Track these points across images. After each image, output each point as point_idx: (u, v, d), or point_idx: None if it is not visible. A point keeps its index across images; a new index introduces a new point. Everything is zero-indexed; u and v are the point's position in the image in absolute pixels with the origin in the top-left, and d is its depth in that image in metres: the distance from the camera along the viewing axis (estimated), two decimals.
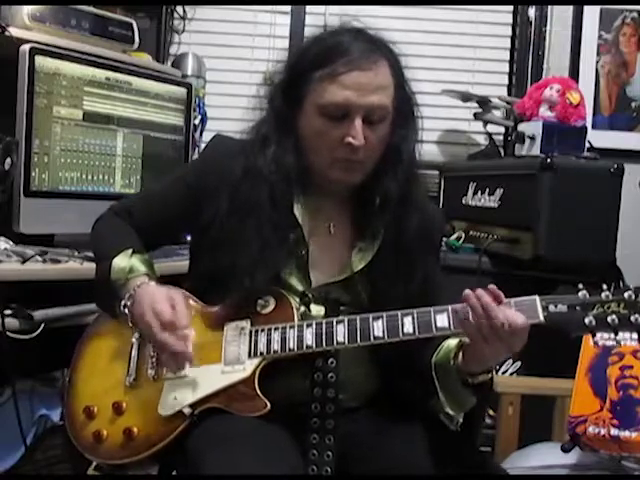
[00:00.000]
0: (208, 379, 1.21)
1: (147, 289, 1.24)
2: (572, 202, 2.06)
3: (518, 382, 2.03)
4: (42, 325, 1.58)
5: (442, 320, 1.14)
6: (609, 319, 1.08)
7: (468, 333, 1.13)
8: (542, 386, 1.91)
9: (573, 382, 1.64)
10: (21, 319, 1.57)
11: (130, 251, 1.29)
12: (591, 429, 1.53)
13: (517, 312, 1.10)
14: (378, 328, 1.16)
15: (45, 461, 1.83)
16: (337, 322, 1.18)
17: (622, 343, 1.30)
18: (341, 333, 1.17)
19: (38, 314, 1.57)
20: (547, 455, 1.69)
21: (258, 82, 2.76)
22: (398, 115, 1.24)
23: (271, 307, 1.24)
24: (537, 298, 1.11)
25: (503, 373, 2.17)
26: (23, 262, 1.61)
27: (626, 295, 1.09)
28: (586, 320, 1.09)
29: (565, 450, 1.58)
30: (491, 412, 1.98)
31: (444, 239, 2.40)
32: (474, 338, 1.12)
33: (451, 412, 1.21)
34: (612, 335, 1.10)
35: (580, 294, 1.11)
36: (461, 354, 1.18)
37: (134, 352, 1.28)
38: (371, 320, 1.17)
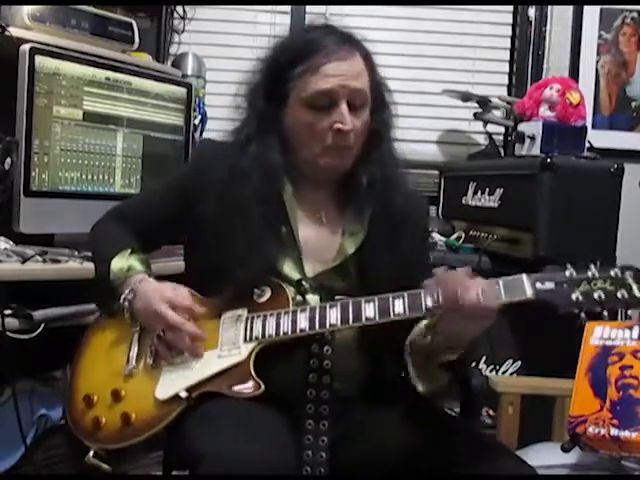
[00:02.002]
0: (205, 364, 1.24)
1: (149, 283, 1.30)
2: (572, 202, 2.06)
3: (518, 382, 2.03)
4: (42, 325, 1.58)
5: (431, 300, 1.16)
6: (595, 295, 1.10)
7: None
8: (542, 386, 1.91)
9: (573, 382, 1.63)
10: (21, 319, 1.57)
11: (128, 251, 1.33)
12: (591, 429, 1.52)
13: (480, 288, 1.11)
14: (370, 310, 1.19)
15: (45, 461, 1.83)
16: (330, 306, 1.21)
17: (622, 343, 1.30)
18: (334, 316, 1.20)
19: (38, 314, 1.57)
20: (547, 455, 1.68)
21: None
22: (374, 101, 1.31)
23: (267, 296, 1.27)
24: (524, 276, 1.13)
25: (503, 373, 2.17)
26: (23, 262, 1.61)
27: (612, 272, 1.11)
28: (573, 296, 1.11)
29: (565, 450, 1.58)
30: (491, 412, 1.98)
31: (444, 239, 2.40)
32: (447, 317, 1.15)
33: (421, 388, 1.24)
34: (599, 309, 1.12)
35: (567, 272, 1.13)
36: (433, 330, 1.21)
37: (134, 342, 1.31)
38: (363, 303, 1.20)
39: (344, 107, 1.24)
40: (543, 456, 1.68)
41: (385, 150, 1.34)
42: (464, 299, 1.10)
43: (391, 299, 1.18)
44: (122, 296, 1.28)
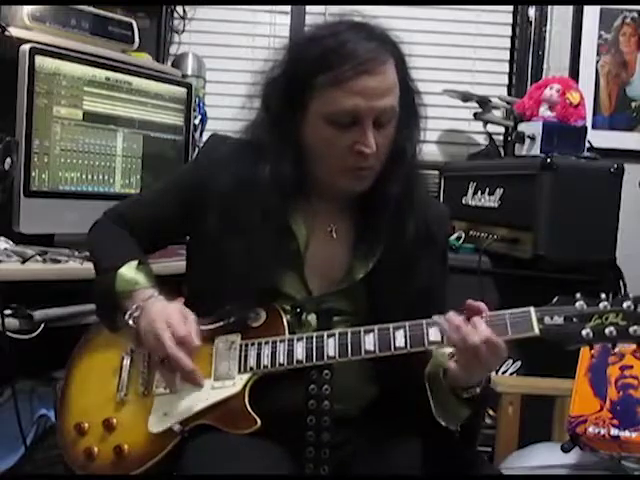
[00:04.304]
0: (198, 395, 1.18)
1: (158, 302, 1.20)
2: (572, 202, 2.06)
3: (518, 382, 2.03)
4: (42, 325, 1.58)
5: (435, 334, 1.11)
6: (607, 331, 1.05)
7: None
8: (542, 386, 1.91)
9: (573, 382, 1.64)
10: (21, 319, 1.57)
11: (136, 262, 1.24)
12: (591, 429, 1.53)
13: (490, 329, 1.06)
14: (369, 342, 1.13)
15: (45, 461, 1.83)
16: (328, 336, 1.15)
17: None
18: (332, 347, 1.14)
19: (38, 314, 1.57)
20: (547, 455, 1.68)
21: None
22: (403, 114, 1.19)
23: (261, 320, 1.21)
24: (532, 310, 1.08)
25: (503, 373, 2.17)
26: (23, 262, 1.61)
27: (625, 305, 1.05)
28: (583, 332, 1.06)
29: (565, 450, 1.58)
30: (491, 412, 1.98)
31: None
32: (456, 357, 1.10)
33: (443, 423, 1.18)
34: (610, 345, 1.07)
35: (577, 304, 1.07)
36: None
37: (125, 367, 1.27)
38: (362, 334, 1.14)
39: (369, 128, 1.12)
40: (543, 456, 1.69)
41: (407, 167, 1.22)
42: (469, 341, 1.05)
43: (392, 330, 1.12)
44: (128, 312, 1.19)
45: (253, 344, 1.19)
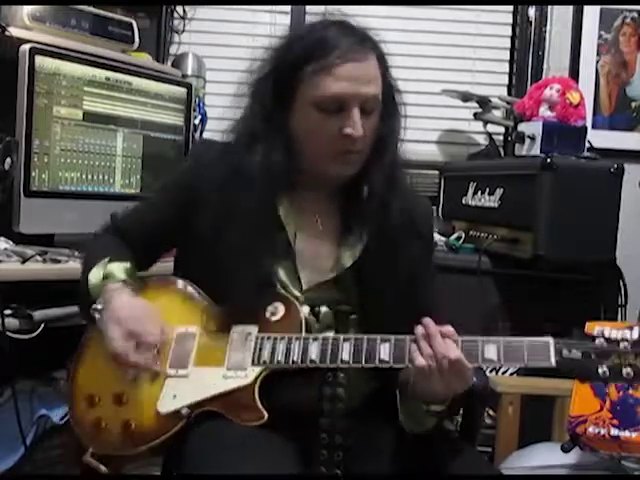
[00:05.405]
0: (209, 382, 1.20)
1: (119, 295, 1.22)
2: (572, 202, 2.06)
3: (518, 382, 2.03)
4: (42, 325, 1.58)
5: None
6: (624, 372, 1.04)
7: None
8: (542, 386, 1.91)
9: (573, 382, 1.63)
10: (21, 319, 1.57)
11: (106, 260, 1.27)
12: (591, 429, 1.52)
13: (454, 348, 1.08)
14: (385, 352, 1.13)
15: (45, 461, 1.83)
16: (344, 340, 1.16)
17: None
18: (346, 352, 1.15)
19: (38, 314, 1.58)
20: (547, 455, 1.68)
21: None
22: (385, 106, 1.24)
23: (280, 315, 1.23)
24: (551, 341, 1.08)
25: (503, 373, 2.17)
26: (23, 262, 1.61)
27: None
28: (600, 370, 1.05)
29: (565, 450, 1.58)
30: (491, 412, 1.98)
31: (444, 239, 2.40)
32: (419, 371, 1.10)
33: (407, 428, 1.20)
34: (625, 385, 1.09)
35: (597, 342, 1.06)
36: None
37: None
38: (378, 342, 1.14)
39: (356, 113, 1.18)
40: (543, 456, 1.69)
41: (390, 158, 1.27)
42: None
43: (408, 341, 1.12)
44: (94, 306, 1.23)
45: (269, 338, 1.20)
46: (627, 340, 1.05)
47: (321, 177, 1.26)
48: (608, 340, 1.06)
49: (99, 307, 1.22)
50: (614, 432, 1.50)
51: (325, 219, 1.30)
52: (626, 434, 1.49)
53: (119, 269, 1.27)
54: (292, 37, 1.27)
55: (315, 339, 1.18)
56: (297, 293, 1.26)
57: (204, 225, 1.24)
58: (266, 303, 1.24)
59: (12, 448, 1.74)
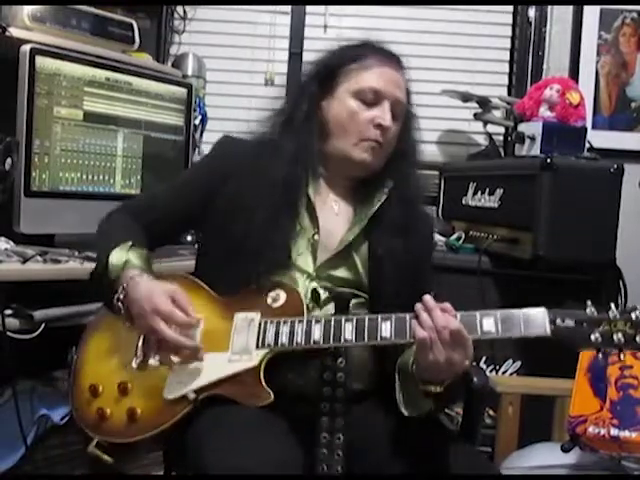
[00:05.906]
0: (214, 366, 1.22)
1: (142, 283, 1.24)
2: (572, 202, 2.06)
3: (518, 382, 2.03)
4: (42, 325, 1.58)
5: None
6: (615, 337, 1.11)
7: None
8: (542, 386, 1.91)
9: (573, 382, 1.64)
10: (21, 319, 1.57)
11: (129, 244, 1.29)
12: (591, 429, 1.53)
13: (454, 320, 1.12)
14: (386, 329, 1.17)
15: (45, 461, 1.83)
16: (346, 320, 1.20)
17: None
18: (349, 331, 1.19)
19: (38, 314, 1.57)
20: (547, 455, 1.69)
21: (258, 82, 2.79)
22: (405, 122, 1.39)
23: (281, 301, 1.27)
24: (545, 311, 1.13)
25: (503, 373, 2.17)
26: (23, 262, 1.61)
27: (633, 315, 1.11)
28: (592, 336, 1.12)
29: (565, 450, 1.58)
30: (491, 412, 1.99)
31: (444, 239, 2.40)
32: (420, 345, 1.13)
33: (404, 411, 1.23)
34: (616, 351, 1.13)
35: (588, 310, 1.14)
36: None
37: (142, 336, 1.29)
38: (380, 320, 1.18)
39: (387, 107, 1.33)
40: (543, 456, 1.69)
41: (408, 170, 1.40)
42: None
43: (408, 318, 1.16)
44: (116, 295, 1.24)
45: (272, 322, 1.24)
46: (616, 309, 1.13)
47: (345, 163, 1.36)
48: (598, 310, 1.13)
49: (121, 296, 1.24)
50: (614, 432, 1.50)
51: (341, 205, 1.39)
52: (626, 434, 1.50)
53: (140, 256, 1.30)
54: (337, 47, 1.42)
55: (318, 321, 1.22)
56: (310, 269, 1.31)
57: (234, 196, 1.31)
58: (282, 273, 1.29)
59: (13, 448, 1.74)
